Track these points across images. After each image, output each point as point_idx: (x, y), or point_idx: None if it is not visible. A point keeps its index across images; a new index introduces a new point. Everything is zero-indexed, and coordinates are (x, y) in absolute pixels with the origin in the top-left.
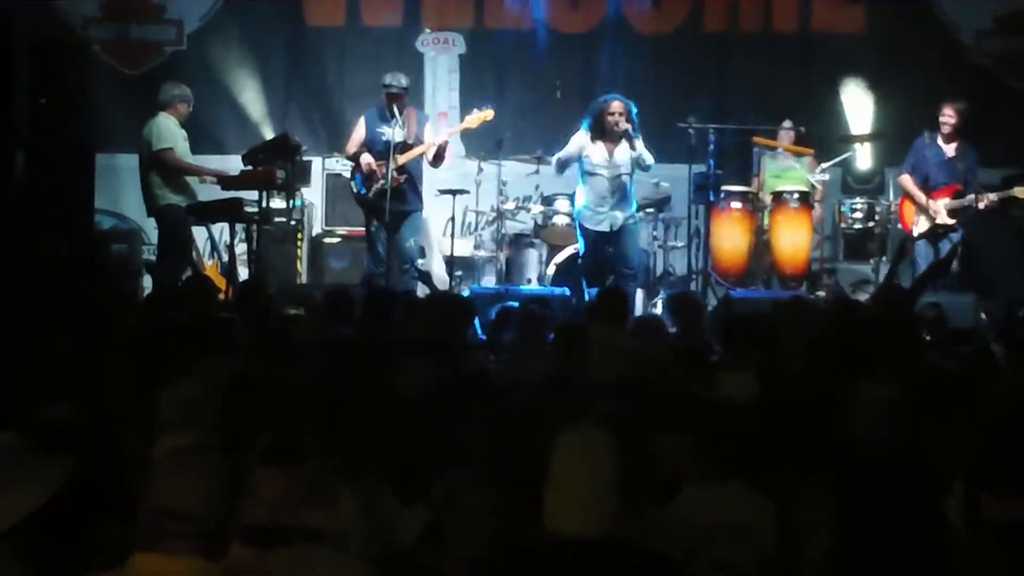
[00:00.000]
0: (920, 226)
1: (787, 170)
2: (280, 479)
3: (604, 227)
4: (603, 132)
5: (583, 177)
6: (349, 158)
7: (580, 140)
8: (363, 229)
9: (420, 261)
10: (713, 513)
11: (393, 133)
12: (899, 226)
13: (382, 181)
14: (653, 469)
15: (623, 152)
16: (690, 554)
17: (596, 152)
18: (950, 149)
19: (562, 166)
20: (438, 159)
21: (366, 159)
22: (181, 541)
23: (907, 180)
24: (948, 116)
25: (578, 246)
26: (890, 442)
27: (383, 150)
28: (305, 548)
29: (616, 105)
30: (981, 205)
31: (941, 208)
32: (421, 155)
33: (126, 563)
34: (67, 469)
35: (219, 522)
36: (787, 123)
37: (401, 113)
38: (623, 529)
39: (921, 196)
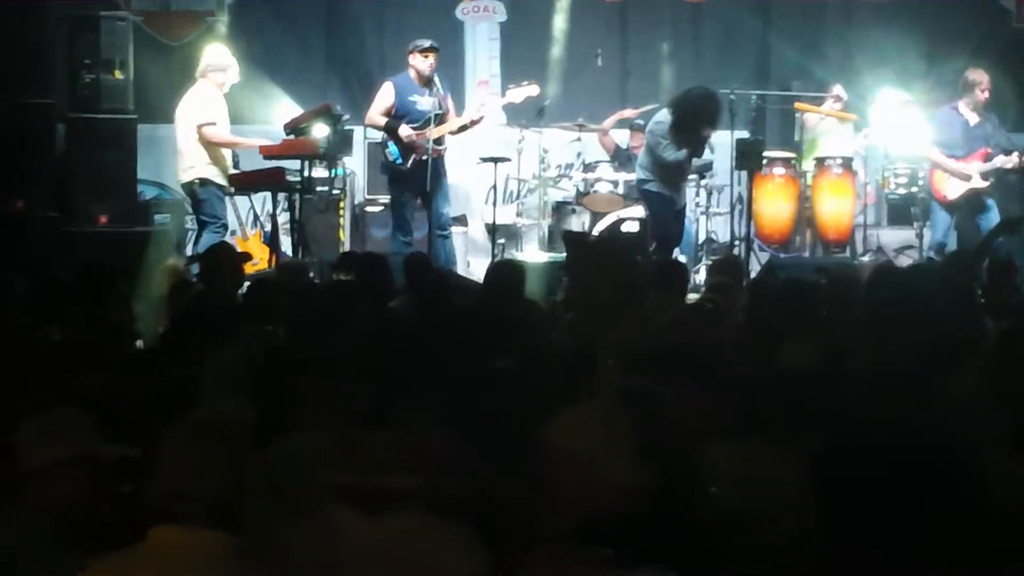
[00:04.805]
0: (954, 192)
1: (827, 134)
2: (375, 443)
3: (674, 199)
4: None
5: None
6: (382, 128)
7: (668, 139)
8: None
9: (464, 230)
10: (737, 466)
11: (429, 103)
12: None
13: (424, 156)
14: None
15: None
16: (711, 507)
17: None
18: (973, 116)
19: None
20: (463, 130)
21: (406, 131)
22: (195, 517)
23: (935, 152)
24: (985, 87)
25: (627, 213)
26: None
27: (420, 120)
28: (415, 516)
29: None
30: (1009, 165)
31: (975, 172)
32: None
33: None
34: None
35: (232, 497)
36: (835, 89)
37: (438, 81)
38: (648, 501)
39: (952, 164)
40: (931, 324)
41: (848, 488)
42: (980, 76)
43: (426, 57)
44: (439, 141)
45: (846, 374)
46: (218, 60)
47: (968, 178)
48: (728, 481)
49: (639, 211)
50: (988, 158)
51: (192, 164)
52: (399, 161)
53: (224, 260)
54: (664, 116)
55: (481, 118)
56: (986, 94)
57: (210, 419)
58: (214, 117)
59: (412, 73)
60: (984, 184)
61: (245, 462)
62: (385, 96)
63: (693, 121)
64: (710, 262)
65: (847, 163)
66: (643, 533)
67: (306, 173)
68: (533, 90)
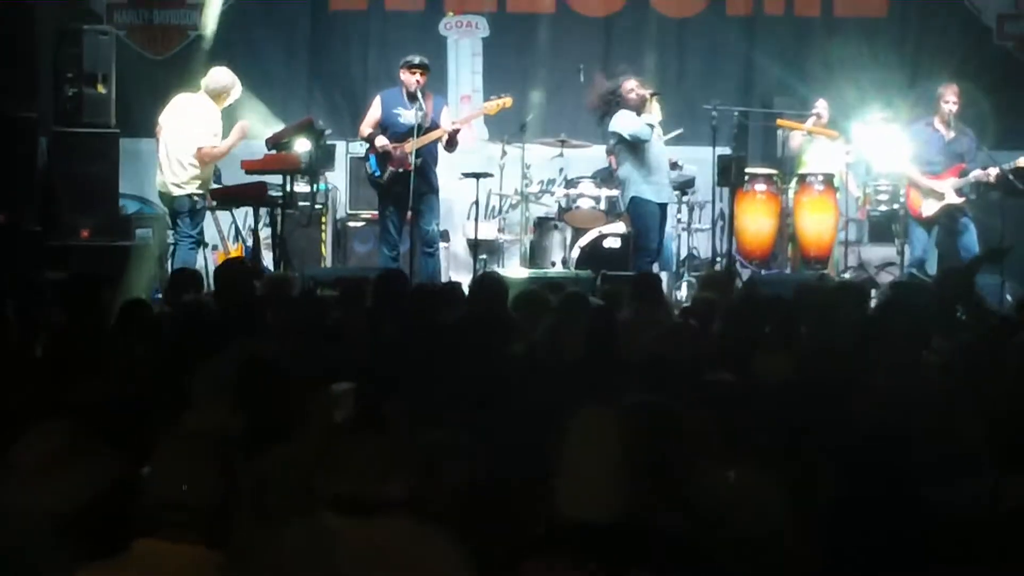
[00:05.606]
0: (928, 209)
1: (818, 151)
2: (366, 448)
3: (664, 198)
4: (634, 107)
5: (637, 148)
6: (364, 139)
7: (630, 116)
8: None
9: (446, 245)
10: (726, 490)
11: (412, 117)
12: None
13: (399, 168)
14: (676, 452)
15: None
16: (702, 532)
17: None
18: (948, 132)
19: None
20: (451, 145)
21: (381, 141)
22: (182, 528)
23: (912, 169)
24: (950, 100)
25: (609, 229)
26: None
27: (401, 133)
28: (400, 522)
29: (631, 82)
30: (985, 179)
31: (949, 188)
32: (437, 140)
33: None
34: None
35: (220, 508)
36: (818, 105)
37: (423, 96)
38: (638, 511)
39: (925, 181)
40: (920, 339)
41: (843, 501)
42: (945, 89)
43: (412, 73)
44: (416, 155)
45: (833, 386)
46: (224, 83)
47: (942, 196)
48: (730, 494)
49: (621, 227)
50: (963, 173)
51: (182, 178)
52: (376, 173)
53: (226, 276)
54: (618, 115)
55: (456, 131)
56: (951, 105)
57: (199, 429)
58: (215, 140)
59: (402, 88)
60: (959, 200)
61: (235, 472)
62: (374, 109)
63: (634, 96)
64: (692, 279)
65: (829, 180)
66: (641, 542)
67: (288, 188)
68: (507, 102)
